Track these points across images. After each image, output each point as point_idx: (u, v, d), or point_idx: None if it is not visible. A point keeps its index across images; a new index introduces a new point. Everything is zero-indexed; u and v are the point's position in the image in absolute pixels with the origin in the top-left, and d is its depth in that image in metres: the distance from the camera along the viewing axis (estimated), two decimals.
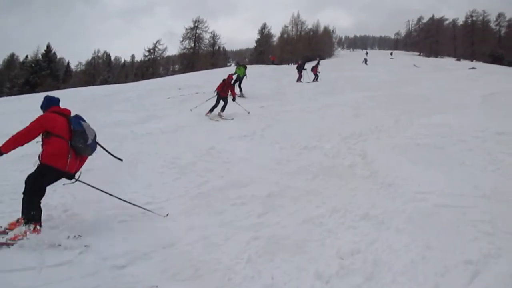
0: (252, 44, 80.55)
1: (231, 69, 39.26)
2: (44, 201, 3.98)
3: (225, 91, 11.93)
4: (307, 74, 23.02)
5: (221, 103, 11.85)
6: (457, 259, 3.26)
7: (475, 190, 4.73)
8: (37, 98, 16.95)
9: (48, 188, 3.87)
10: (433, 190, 4.77)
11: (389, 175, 5.44)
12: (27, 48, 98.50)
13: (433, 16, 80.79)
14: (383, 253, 3.45)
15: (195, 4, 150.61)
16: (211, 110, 11.66)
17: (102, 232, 3.91)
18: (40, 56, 62.23)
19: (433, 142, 6.94)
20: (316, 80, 22.42)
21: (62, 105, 4.21)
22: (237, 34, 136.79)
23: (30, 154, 5.81)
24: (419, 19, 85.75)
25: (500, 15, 71.46)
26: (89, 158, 5.11)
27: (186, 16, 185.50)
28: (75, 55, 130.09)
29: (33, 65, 59.61)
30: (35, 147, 6.19)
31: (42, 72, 57.91)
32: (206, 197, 5.00)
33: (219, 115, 11.64)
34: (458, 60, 55.18)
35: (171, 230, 4.05)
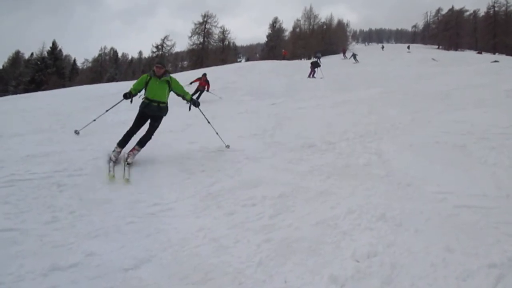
0: (253, 42, 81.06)
1: (242, 65, 39.24)
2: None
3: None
4: (321, 70, 22.91)
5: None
6: (479, 263, 3.13)
7: (497, 190, 4.56)
8: (43, 96, 17.35)
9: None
10: (453, 190, 4.62)
11: (406, 175, 5.29)
12: (31, 47, 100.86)
13: (452, 7, 79.59)
14: (401, 256, 3.33)
15: (196, 4, 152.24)
16: None
17: (110, 233, 3.89)
18: (45, 53, 63.11)
19: (453, 140, 6.71)
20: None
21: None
22: (239, 33, 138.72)
23: (34, 155, 5.88)
24: (438, 10, 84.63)
25: None
26: (97, 157, 5.13)
27: (187, 16, 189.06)
28: (80, 53, 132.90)
29: (39, 62, 60.55)
30: (40, 147, 6.21)
31: (48, 70, 58.80)
32: (216, 198, 4.93)
33: None
34: (480, 53, 54.02)
35: (180, 231, 4.00)
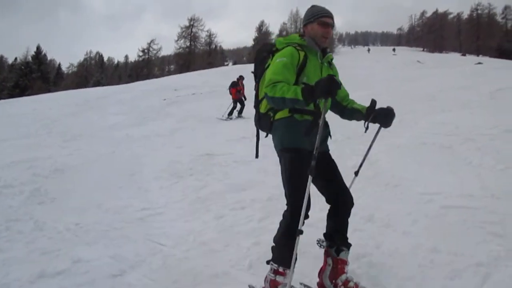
0: (240, 45, 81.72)
1: (230, 68, 39.33)
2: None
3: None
4: None
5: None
6: (466, 262, 3.13)
7: (483, 190, 4.60)
8: (28, 101, 17.21)
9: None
10: (440, 191, 4.65)
11: (394, 176, 5.33)
12: (15, 51, 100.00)
13: (436, 10, 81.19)
14: (390, 257, 3.33)
15: (181, 9, 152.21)
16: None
17: (98, 239, 3.85)
18: (30, 58, 62.54)
19: (440, 141, 6.80)
20: None
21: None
22: (226, 37, 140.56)
23: (21, 160, 5.81)
24: (422, 13, 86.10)
25: (506, 8, 71.30)
26: (84, 163, 5.03)
27: (172, 21, 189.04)
28: (66, 58, 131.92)
29: (23, 67, 60.02)
30: (26, 152, 6.12)
31: (32, 75, 58.45)
32: (205, 202, 4.93)
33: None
34: (464, 55, 55.08)
35: (169, 236, 3.99)
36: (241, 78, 13.20)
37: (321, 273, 2.88)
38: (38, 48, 63.69)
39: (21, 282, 3.08)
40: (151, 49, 71.00)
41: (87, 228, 4.11)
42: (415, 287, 2.91)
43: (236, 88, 12.69)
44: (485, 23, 71.39)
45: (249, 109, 12.07)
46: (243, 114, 12.37)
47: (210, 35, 72.93)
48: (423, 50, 74.43)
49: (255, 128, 2.98)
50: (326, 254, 2.88)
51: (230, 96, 12.76)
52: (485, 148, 6.19)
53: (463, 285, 2.89)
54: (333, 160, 3.04)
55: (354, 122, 3.01)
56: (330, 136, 3.08)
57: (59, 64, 72.57)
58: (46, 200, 4.68)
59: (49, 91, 39.77)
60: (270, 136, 2.95)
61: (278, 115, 2.72)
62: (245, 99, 12.63)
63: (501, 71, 20.59)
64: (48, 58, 67.89)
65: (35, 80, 57.00)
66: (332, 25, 2.77)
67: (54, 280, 3.15)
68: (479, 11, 73.56)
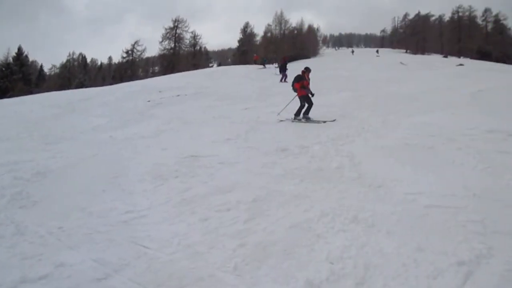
0: (224, 47, 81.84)
1: (214, 69, 39.30)
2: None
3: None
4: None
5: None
6: (449, 261, 3.20)
7: (465, 190, 4.69)
8: (9, 103, 16.98)
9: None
10: (423, 191, 4.72)
11: (377, 177, 5.37)
12: None
13: (419, 12, 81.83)
14: (374, 256, 3.37)
15: (165, 12, 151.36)
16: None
17: (81, 243, 3.80)
18: (11, 59, 61.35)
19: (422, 141, 6.90)
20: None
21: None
22: (210, 39, 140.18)
23: (1, 164, 5.69)
24: (405, 15, 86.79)
25: (486, 11, 72.42)
26: (66, 166, 4.98)
27: (155, 24, 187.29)
28: (48, 59, 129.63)
29: (4, 69, 58.84)
30: (7, 156, 6.02)
31: (14, 76, 57.28)
32: (190, 204, 4.87)
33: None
34: (446, 57, 55.97)
35: (154, 239, 3.94)
36: (307, 70, 10.87)
37: None
38: (20, 49, 62.55)
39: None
40: (135, 50, 70.25)
41: (70, 232, 4.05)
42: (400, 285, 2.95)
43: (302, 83, 10.41)
44: (466, 26, 72.57)
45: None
46: (309, 115, 10.31)
47: (194, 37, 72.44)
48: (406, 52, 75.21)
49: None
50: None
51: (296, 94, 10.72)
52: (466, 148, 6.31)
53: (446, 283, 2.94)
54: None
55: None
56: None
57: (41, 66, 71.30)
58: (28, 203, 4.60)
59: (31, 92, 39.01)
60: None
61: None
62: (313, 95, 10.37)
63: (482, 72, 21.04)
64: (30, 60, 66.75)
65: (16, 81, 56.06)
66: None
67: (36, 285, 3.10)
68: (460, 14, 74.71)
